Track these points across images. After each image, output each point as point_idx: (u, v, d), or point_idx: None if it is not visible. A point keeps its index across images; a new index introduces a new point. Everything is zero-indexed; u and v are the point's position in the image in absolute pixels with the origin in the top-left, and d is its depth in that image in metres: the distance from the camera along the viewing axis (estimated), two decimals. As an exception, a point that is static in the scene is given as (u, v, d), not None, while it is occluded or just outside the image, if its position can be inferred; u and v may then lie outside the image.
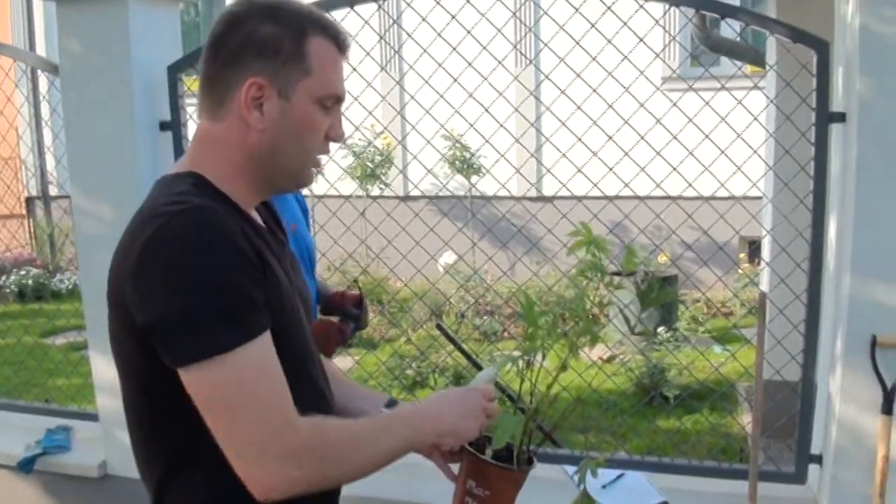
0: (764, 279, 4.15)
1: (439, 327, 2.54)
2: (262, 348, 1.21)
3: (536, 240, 4.11)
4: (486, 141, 3.09)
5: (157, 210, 1.23)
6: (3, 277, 8.25)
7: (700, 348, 4.66)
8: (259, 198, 1.40)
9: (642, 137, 2.84)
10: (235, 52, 1.29)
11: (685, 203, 3.30)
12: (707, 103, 2.77)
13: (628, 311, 1.68)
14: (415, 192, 7.71)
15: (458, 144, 7.28)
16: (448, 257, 7.06)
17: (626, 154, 2.87)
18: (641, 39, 2.85)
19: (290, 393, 1.24)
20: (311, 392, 1.38)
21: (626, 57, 2.85)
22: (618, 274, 6.06)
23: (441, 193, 7.22)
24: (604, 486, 2.99)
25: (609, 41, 2.74)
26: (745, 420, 4.39)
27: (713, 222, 3.11)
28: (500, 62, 2.99)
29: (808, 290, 2.53)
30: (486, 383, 1.48)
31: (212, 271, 1.17)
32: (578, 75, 2.82)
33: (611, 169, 2.96)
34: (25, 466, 3.16)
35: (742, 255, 7.25)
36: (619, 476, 3.05)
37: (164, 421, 1.29)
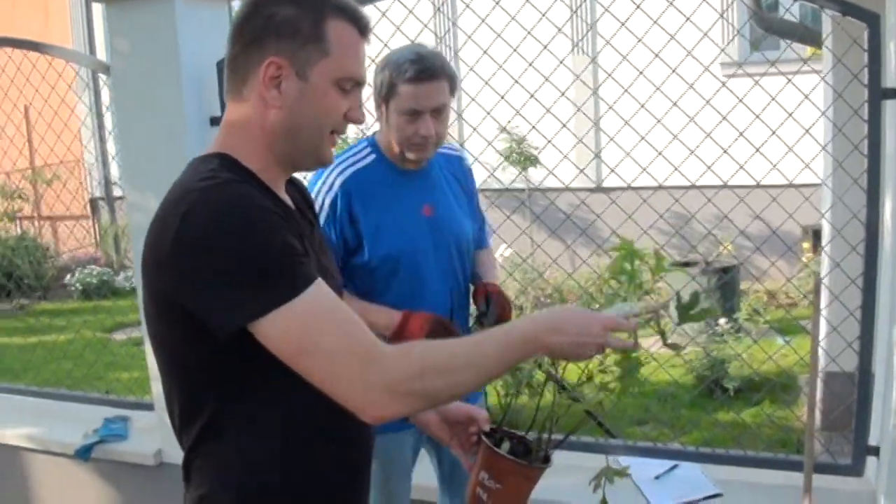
0: (824, 266, 4.04)
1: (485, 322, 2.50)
2: (320, 291, 1.25)
3: (595, 231, 4.03)
4: (533, 127, 3.06)
5: (189, 187, 1.26)
6: (68, 276, 8.50)
7: (761, 339, 4.55)
8: (284, 175, 1.43)
9: (691, 119, 2.78)
10: (257, 33, 1.33)
11: (743, 191, 3.21)
12: (757, 83, 2.69)
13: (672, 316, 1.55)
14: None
15: (513, 135, 7.18)
16: (505, 250, 6.99)
17: (675, 137, 2.80)
18: (688, 18, 2.77)
19: None
20: None
21: (672, 37, 2.75)
22: (685, 264, 5.98)
23: (496, 185, 7.16)
24: (656, 477, 2.94)
25: (654, 21, 2.67)
26: (805, 412, 4.29)
27: (769, 208, 3.02)
28: (545, 47, 2.94)
29: (864, 274, 2.45)
30: (619, 315, 1.36)
31: (260, 231, 1.22)
32: (625, 58, 2.76)
33: (659, 153, 2.89)
34: (83, 454, 3.24)
35: (806, 245, 7.05)
36: (673, 467, 3.00)
37: (197, 392, 1.33)
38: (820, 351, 2.54)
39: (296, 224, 1.36)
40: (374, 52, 1.92)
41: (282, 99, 1.33)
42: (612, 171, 3.04)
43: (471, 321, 2.48)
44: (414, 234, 2.26)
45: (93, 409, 3.52)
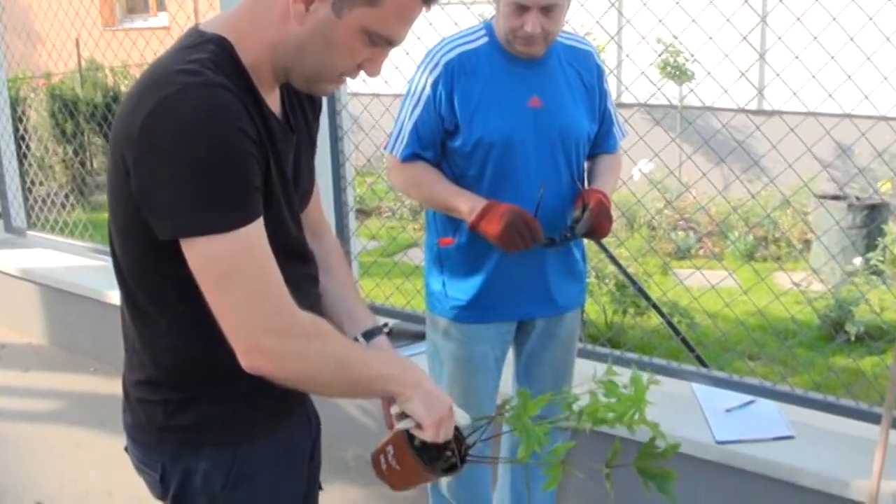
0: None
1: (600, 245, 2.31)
2: (257, 232, 1.21)
3: (756, 157, 3.66)
4: (693, 59, 2.81)
5: (167, 76, 1.18)
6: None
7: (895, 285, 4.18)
8: (275, 80, 1.33)
9: (868, 58, 2.53)
10: None
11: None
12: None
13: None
14: (625, 99, 7.23)
15: (671, 48, 6.75)
16: (644, 165, 6.65)
17: (832, 58, 2.49)
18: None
19: None
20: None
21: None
22: (834, 197, 5.56)
23: (650, 101, 6.75)
24: (728, 410, 2.81)
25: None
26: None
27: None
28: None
29: None
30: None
31: (225, 153, 1.15)
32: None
33: (813, 76, 2.56)
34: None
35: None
36: (749, 402, 2.86)
37: (140, 270, 1.31)
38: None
39: (270, 131, 1.29)
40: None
41: (304, 18, 1.22)
42: (759, 92, 2.73)
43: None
44: (513, 124, 2.15)
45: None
